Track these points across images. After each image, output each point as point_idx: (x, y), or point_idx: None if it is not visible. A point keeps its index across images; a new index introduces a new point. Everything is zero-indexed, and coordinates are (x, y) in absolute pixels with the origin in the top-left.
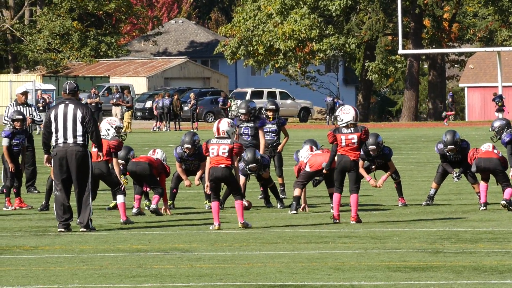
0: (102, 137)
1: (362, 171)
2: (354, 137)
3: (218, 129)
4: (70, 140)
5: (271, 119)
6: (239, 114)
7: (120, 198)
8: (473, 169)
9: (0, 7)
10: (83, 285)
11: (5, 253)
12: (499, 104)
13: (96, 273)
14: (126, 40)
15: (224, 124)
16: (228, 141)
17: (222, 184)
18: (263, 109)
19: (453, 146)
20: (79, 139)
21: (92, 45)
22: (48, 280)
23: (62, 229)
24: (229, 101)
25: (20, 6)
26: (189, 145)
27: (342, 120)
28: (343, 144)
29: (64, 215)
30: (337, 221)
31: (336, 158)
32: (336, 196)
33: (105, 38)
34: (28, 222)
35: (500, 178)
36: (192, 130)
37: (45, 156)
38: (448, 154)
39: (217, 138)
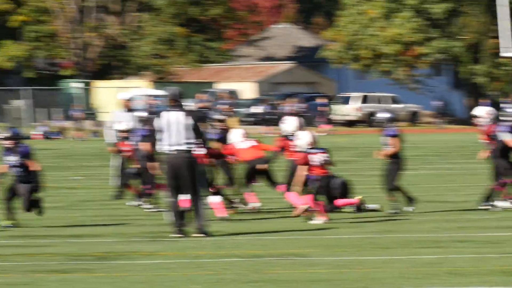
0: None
1: None
2: None
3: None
4: (179, 147)
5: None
6: None
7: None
8: None
9: (107, 13)
10: None
11: (122, 258)
12: None
13: (212, 279)
14: (231, 45)
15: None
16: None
17: None
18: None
19: None
20: (188, 146)
21: (197, 51)
22: (164, 286)
23: (177, 235)
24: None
25: (126, 12)
26: None
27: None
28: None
29: (179, 221)
30: None
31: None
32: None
33: (211, 43)
34: (144, 227)
35: None
36: None
37: (155, 163)
38: None
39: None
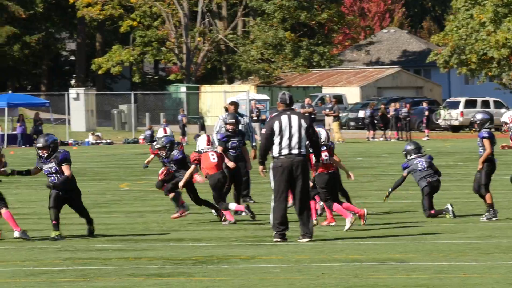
0: None
1: None
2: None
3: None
4: (295, 151)
5: None
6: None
7: None
8: None
9: (214, 18)
10: None
11: (223, 262)
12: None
13: (313, 283)
14: (339, 49)
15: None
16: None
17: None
18: None
19: None
20: (303, 150)
21: (304, 55)
22: None
23: (279, 239)
24: (441, 110)
25: (233, 16)
26: None
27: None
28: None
29: (281, 225)
30: None
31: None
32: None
33: (318, 48)
34: (244, 231)
35: None
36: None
37: (261, 166)
38: None
39: None
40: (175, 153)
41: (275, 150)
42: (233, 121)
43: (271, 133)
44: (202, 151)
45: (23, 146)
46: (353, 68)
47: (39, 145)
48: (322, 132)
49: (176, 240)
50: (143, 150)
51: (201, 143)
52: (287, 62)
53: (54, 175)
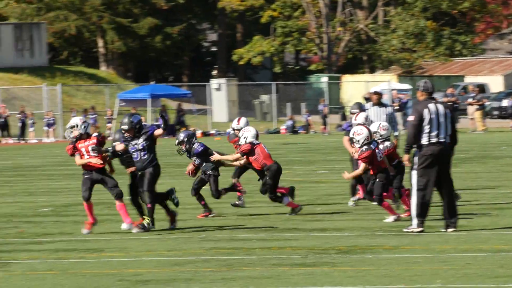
0: None
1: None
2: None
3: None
4: (443, 139)
5: None
6: None
7: None
8: None
9: (354, 8)
10: (445, 285)
11: (367, 252)
12: None
13: (458, 273)
14: (481, 38)
15: None
16: None
17: None
18: None
19: None
20: (448, 138)
21: (446, 44)
22: (409, 280)
23: (419, 229)
24: None
25: (374, 6)
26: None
27: (358, 141)
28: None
29: (423, 215)
30: None
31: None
32: None
33: (460, 37)
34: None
35: None
36: None
37: (406, 155)
38: None
39: None
40: (196, 146)
41: (423, 138)
42: (356, 110)
43: (420, 121)
44: (255, 143)
45: (166, 137)
46: (496, 57)
47: (124, 127)
48: (363, 130)
49: (319, 230)
50: (285, 140)
51: (250, 134)
52: (429, 51)
53: (138, 152)
